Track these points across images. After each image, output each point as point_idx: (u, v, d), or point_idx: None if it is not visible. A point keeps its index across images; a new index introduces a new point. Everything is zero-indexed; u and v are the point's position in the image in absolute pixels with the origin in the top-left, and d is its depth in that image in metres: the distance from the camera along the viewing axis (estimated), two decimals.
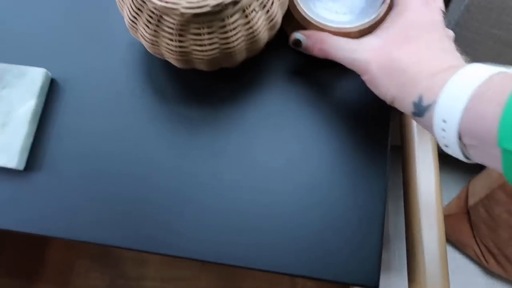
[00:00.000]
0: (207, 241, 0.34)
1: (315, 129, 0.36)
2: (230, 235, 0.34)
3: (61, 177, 0.36)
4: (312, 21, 0.34)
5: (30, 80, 0.37)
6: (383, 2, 0.33)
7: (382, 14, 0.33)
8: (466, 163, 0.27)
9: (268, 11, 0.31)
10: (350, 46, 0.31)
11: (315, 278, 0.33)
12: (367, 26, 0.33)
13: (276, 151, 0.36)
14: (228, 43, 0.31)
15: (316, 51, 0.33)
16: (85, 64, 0.39)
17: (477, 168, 0.63)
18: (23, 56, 0.39)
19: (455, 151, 0.25)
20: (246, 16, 0.30)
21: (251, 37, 0.32)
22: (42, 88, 0.37)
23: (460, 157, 0.26)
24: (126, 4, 0.32)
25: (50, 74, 0.38)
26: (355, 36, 0.33)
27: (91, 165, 0.36)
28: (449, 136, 0.24)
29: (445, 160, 0.65)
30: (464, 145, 0.25)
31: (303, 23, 0.35)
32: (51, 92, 0.38)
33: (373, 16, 0.33)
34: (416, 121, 0.28)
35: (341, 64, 0.33)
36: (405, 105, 0.28)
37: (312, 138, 0.36)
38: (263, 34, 0.32)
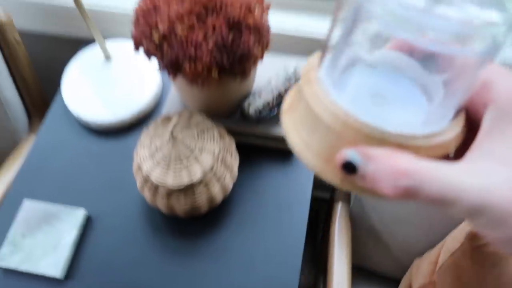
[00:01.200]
0: None
1: (256, 260, 0.55)
2: None
3: (89, 285, 0.54)
4: (373, 131, 0.19)
5: (74, 217, 0.58)
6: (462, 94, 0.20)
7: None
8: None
9: (222, 182, 0.53)
10: (471, 180, 0.17)
11: None
12: (458, 134, 0.21)
13: (238, 273, 0.54)
14: (196, 202, 0.52)
15: (393, 189, 0.18)
16: (110, 207, 0.60)
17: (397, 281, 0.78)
18: (69, 196, 0.61)
19: None
20: (208, 187, 0.52)
21: (211, 198, 0.53)
22: (81, 224, 0.57)
23: None
24: (139, 176, 0.54)
25: (87, 213, 0.59)
26: (444, 153, 0.20)
27: (111, 278, 0.55)
28: None
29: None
30: None
31: (347, 133, 0.19)
32: (87, 225, 0.59)
33: (454, 120, 0.21)
34: None
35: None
36: None
37: (253, 266, 0.55)
38: (219, 196, 0.53)
